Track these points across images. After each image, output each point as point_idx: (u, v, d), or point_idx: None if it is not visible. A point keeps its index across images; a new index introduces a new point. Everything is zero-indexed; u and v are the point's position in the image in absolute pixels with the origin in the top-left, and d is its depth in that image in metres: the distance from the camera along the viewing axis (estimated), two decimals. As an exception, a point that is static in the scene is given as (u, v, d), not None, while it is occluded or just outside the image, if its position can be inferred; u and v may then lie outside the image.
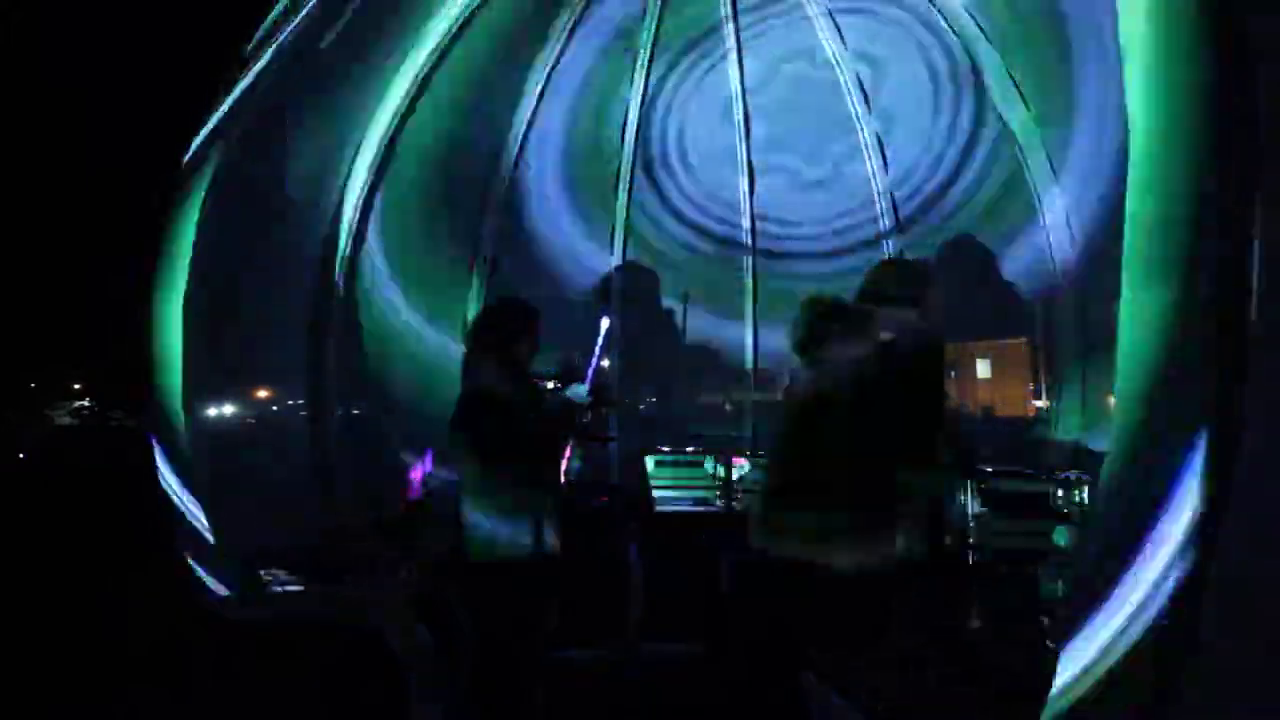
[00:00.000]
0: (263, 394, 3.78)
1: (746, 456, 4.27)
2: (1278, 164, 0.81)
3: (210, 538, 2.78)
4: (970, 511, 2.79)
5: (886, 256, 4.90)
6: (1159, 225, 0.91)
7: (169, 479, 2.86)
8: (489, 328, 3.09)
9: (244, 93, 2.90)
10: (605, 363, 5.03)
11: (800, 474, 2.44)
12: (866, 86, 5.01)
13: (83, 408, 28.50)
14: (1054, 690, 1.01)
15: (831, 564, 2.39)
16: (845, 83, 5.00)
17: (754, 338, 5.38)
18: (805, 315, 2.65)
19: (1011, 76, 4.31)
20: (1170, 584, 0.85)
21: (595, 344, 3.29)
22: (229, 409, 3.26)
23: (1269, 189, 0.81)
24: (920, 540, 2.48)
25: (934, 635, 1.94)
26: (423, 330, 4.66)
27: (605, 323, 3.36)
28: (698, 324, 5.43)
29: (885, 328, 2.46)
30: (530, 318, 3.13)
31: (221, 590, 2.79)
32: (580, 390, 3.05)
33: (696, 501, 4.15)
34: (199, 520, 2.78)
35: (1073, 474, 2.57)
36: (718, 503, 4.09)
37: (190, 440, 2.75)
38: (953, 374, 5.27)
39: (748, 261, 5.41)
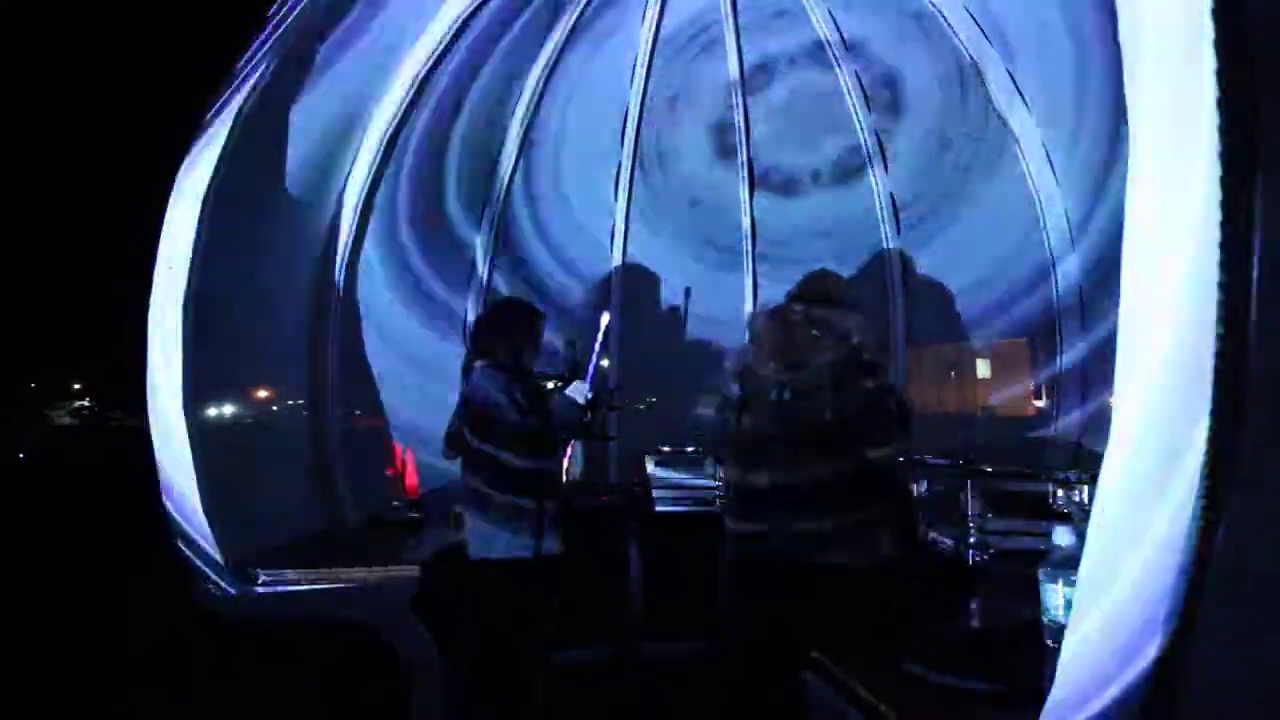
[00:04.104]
0: (263, 394, 3.77)
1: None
2: (1278, 163, 0.81)
3: (210, 538, 2.77)
4: (970, 511, 2.80)
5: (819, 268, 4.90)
6: (1157, 224, 0.91)
7: (168, 478, 2.85)
8: (492, 328, 3.09)
9: (244, 91, 2.89)
10: (605, 362, 5.03)
11: (785, 476, 2.51)
12: (866, 86, 5.00)
13: (83, 408, 28.51)
14: (1054, 690, 1.01)
15: (830, 563, 2.42)
16: (844, 82, 4.99)
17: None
18: (780, 321, 2.70)
19: (1012, 76, 4.31)
20: (1170, 584, 0.85)
21: (594, 343, 3.29)
22: (229, 409, 3.26)
23: (1269, 187, 0.81)
24: (899, 533, 2.59)
25: (934, 635, 1.94)
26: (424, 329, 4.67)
27: (605, 320, 3.36)
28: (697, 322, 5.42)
29: (856, 332, 2.60)
30: (533, 318, 3.13)
31: (221, 590, 2.78)
32: (581, 389, 3.05)
33: (696, 501, 4.15)
34: (199, 520, 2.77)
35: (1073, 474, 2.57)
36: (718, 503, 4.09)
37: (190, 440, 2.74)
38: (951, 374, 5.26)
39: (747, 263, 5.41)
